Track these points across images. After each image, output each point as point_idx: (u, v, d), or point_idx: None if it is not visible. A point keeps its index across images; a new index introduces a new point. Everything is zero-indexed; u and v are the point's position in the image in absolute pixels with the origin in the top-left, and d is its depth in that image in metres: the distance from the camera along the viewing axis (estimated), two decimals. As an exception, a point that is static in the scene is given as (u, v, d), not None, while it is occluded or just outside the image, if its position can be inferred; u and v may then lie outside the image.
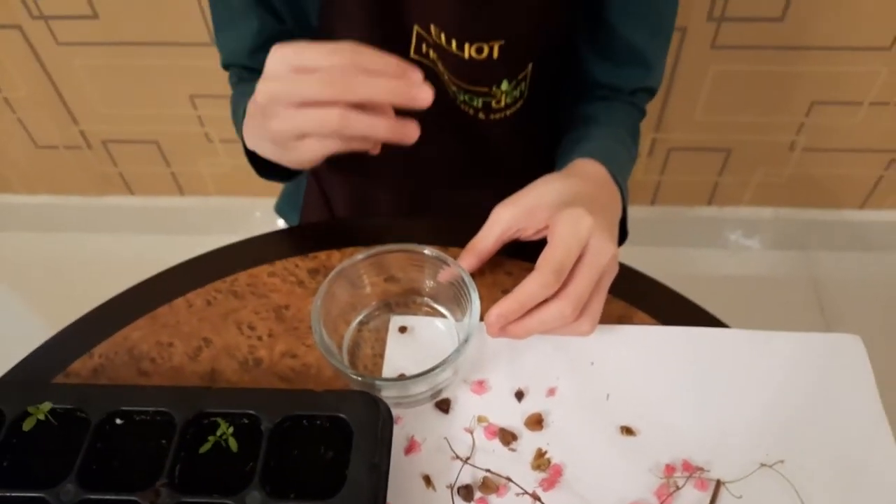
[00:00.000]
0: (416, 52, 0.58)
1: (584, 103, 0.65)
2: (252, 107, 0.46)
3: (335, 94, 0.38)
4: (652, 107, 1.15)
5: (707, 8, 1.02)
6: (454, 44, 0.54)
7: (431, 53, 0.57)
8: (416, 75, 0.39)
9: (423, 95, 0.39)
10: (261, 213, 1.42)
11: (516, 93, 0.60)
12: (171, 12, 1.08)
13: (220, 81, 1.16)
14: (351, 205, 0.72)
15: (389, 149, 0.68)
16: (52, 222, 1.48)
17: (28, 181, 1.43)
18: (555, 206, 0.45)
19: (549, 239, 0.44)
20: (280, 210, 0.82)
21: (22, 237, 1.49)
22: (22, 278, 1.44)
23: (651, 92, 0.67)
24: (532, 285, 0.41)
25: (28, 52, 1.16)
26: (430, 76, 0.59)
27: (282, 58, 0.40)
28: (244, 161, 0.56)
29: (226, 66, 0.66)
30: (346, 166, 0.71)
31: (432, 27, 0.54)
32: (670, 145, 1.24)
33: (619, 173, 0.55)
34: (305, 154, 0.43)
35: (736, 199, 1.33)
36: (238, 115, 0.59)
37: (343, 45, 0.39)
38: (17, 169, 1.40)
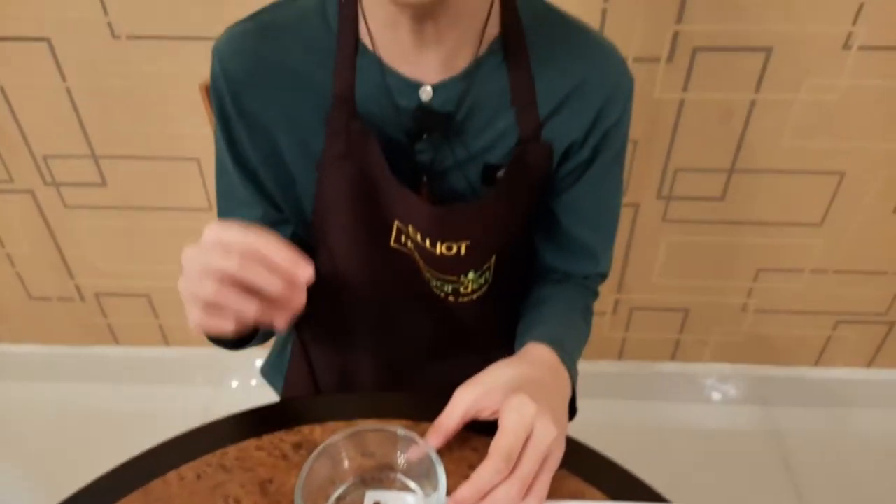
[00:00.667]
0: (395, 241, 0.66)
1: (540, 286, 0.73)
2: None
3: (230, 269, 0.44)
4: (613, 270, 1.24)
5: (657, 187, 1.15)
6: (427, 242, 0.62)
7: (409, 245, 0.66)
8: (303, 276, 0.45)
9: (299, 300, 0.47)
10: (241, 366, 1.46)
11: (481, 280, 0.68)
12: (175, 182, 1.19)
13: (215, 242, 1.25)
14: (333, 374, 0.77)
15: (371, 325, 0.75)
16: (36, 372, 1.50)
17: (16, 331, 1.46)
18: (507, 390, 0.51)
19: (499, 425, 0.50)
20: (265, 374, 0.87)
21: (4, 386, 1.50)
22: (4, 428, 1.43)
23: (602, 276, 0.76)
24: (485, 472, 0.47)
25: (37, 215, 1.25)
26: (408, 263, 0.68)
27: (210, 231, 0.46)
28: None
29: None
30: (329, 339, 0.78)
31: (410, 227, 0.63)
32: (632, 305, 1.33)
33: (569, 356, 0.61)
34: (218, 321, 0.47)
35: (697, 355, 1.40)
36: None
37: (255, 236, 0.45)
38: (6, 318, 1.44)
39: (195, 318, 0.47)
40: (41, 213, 1.25)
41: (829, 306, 1.30)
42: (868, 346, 1.36)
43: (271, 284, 0.45)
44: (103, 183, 1.20)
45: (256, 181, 0.65)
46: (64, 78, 1.07)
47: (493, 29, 0.59)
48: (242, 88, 0.59)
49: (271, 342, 0.83)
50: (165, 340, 1.47)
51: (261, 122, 0.61)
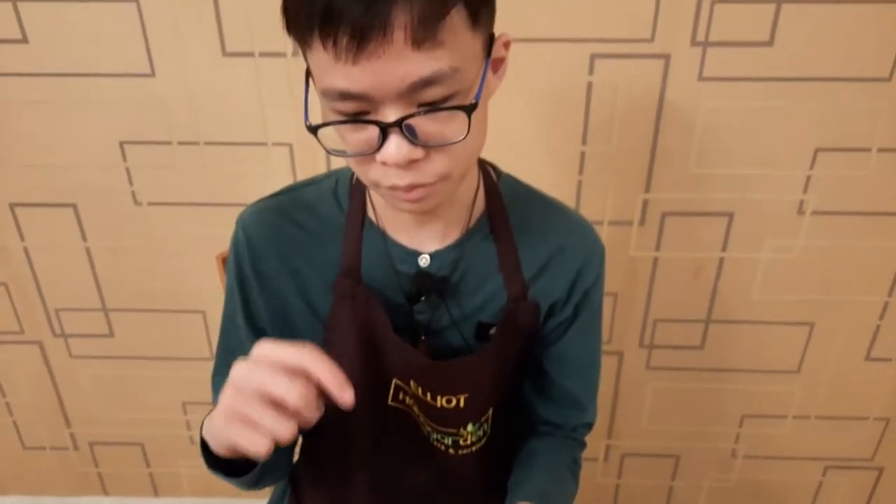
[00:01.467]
0: (393, 399, 0.71)
1: (530, 439, 0.77)
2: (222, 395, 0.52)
3: (278, 392, 0.46)
4: (602, 417, 1.28)
5: (638, 337, 1.21)
6: (428, 395, 0.67)
7: (408, 401, 0.70)
8: (346, 401, 0.47)
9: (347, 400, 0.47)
10: (232, 515, 1.44)
11: (480, 432, 0.72)
12: (179, 332, 1.24)
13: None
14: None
15: (371, 475, 0.78)
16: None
17: (3, 482, 1.45)
18: None
19: None
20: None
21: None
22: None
23: (588, 425, 0.80)
24: None
25: (42, 365, 1.29)
26: (407, 418, 0.72)
27: (261, 348, 0.49)
28: None
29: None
30: (327, 489, 0.80)
31: (412, 382, 0.68)
32: (623, 451, 1.34)
33: None
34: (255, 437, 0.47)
35: (691, 501, 1.39)
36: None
37: (303, 352, 0.47)
38: (-4, 468, 1.43)
39: (233, 435, 0.47)
40: (46, 363, 1.29)
41: (815, 452, 1.31)
42: (860, 492, 1.36)
43: (314, 411, 0.47)
44: (111, 334, 1.25)
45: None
46: (85, 239, 1.15)
47: (480, 206, 0.68)
48: (261, 255, 0.67)
49: (268, 494, 0.85)
50: (155, 491, 1.45)
51: (275, 285, 0.67)
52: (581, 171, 1.06)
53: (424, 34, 0.46)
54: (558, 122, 1.03)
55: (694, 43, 0.96)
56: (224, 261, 0.82)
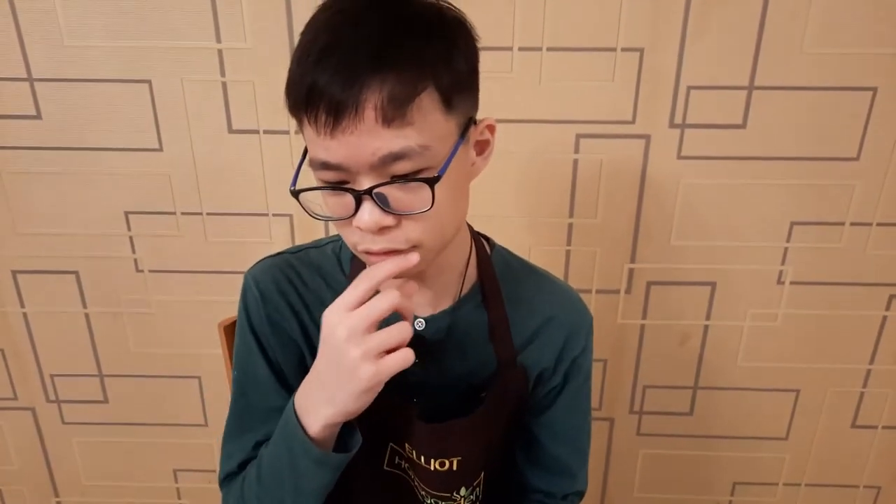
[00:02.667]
0: (388, 464, 0.72)
1: None
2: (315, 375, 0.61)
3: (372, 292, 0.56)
4: (593, 484, 1.29)
5: (628, 403, 1.23)
6: (423, 459, 0.69)
7: (403, 464, 0.72)
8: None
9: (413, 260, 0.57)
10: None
11: (472, 497, 0.73)
12: (174, 398, 1.25)
13: (206, 456, 1.28)
14: None
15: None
16: None
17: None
18: None
19: None
20: None
21: None
22: None
23: (580, 494, 0.81)
24: None
25: (34, 432, 1.29)
26: (402, 482, 0.73)
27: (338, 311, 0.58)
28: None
29: (237, 467, 0.72)
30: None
31: (406, 445, 0.70)
32: (617, 520, 1.33)
33: None
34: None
35: (687, 573, 1.38)
36: (263, 471, 0.66)
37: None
38: (-22, 538, 1.40)
39: (382, 368, 0.58)
40: (38, 429, 1.29)
41: (809, 520, 1.32)
42: (855, 562, 1.35)
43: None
44: (105, 400, 1.25)
45: (289, 388, 0.70)
46: (85, 305, 1.18)
47: (473, 275, 0.71)
48: (274, 306, 0.69)
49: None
50: (140, 562, 1.42)
51: (289, 335, 0.70)
52: (569, 242, 1.10)
53: (394, 114, 0.51)
54: (547, 196, 1.08)
55: (672, 125, 1.02)
56: (226, 329, 0.85)
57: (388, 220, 0.55)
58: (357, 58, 0.51)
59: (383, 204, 0.55)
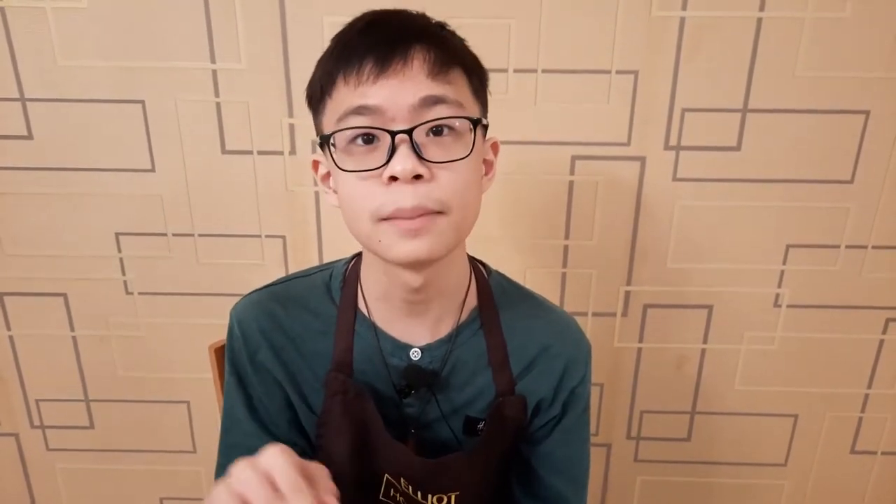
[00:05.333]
0: (384, 495, 0.70)
1: None
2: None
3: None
4: (593, 514, 1.26)
5: (625, 429, 1.21)
6: (419, 494, 0.67)
7: (399, 497, 0.69)
8: None
9: None
10: None
11: (471, 531, 0.71)
12: (162, 424, 1.22)
13: (193, 484, 1.25)
14: None
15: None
16: None
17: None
18: None
19: None
20: None
21: None
22: None
23: (578, 525, 0.79)
24: None
25: (16, 458, 1.25)
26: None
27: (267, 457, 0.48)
28: None
29: None
30: None
31: (402, 479, 0.67)
32: (614, 549, 1.31)
33: None
34: None
35: None
36: None
37: (297, 482, 0.45)
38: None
39: None
40: (21, 456, 1.25)
41: (809, 549, 1.29)
42: (857, 592, 1.32)
43: None
44: (91, 426, 1.22)
45: (269, 432, 0.69)
46: (73, 328, 1.15)
47: (471, 302, 0.70)
48: (257, 347, 0.68)
49: None
50: None
51: (273, 375, 0.68)
52: (565, 264, 1.09)
53: (438, 69, 0.55)
54: (543, 218, 1.07)
55: (667, 147, 1.02)
56: (216, 352, 0.83)
57: (423, 168, 0.55)
58: (404, 28, 0.56)
59: (419, 151, 0.55)
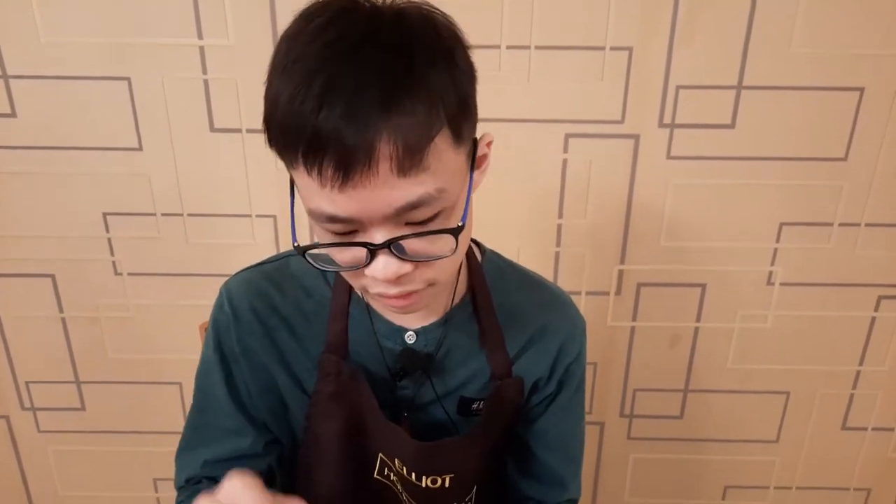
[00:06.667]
0: (378, 473, 0.70)
1: None
2: None
3: None
4: (584, 489, 1.26)
5: (619, 407, 1.21)
6: (413, 476, 0.67)
7: (392, 476, 0.69)
8: None
9: None
10: None
11: (465, 511, 0.71)
12: (154, 405, 1.21)
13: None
14: None
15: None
16: None
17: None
18: None
19: None
20: None
21: None
22: None
23: (573, 502, 0.79)
24: None
25: (7, 440, 1.25)
26: (390, 494, 0.71)
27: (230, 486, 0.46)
28: None
29: (187, 479, 0.71)
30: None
31: (396, 461, 0.67)
32: (607, 526, 1.32)
33: None
34: None
35: (678, 579, 1.36)
36: None
37: None
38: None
39: None
40: (12, 438, 1.25)
41: (799, 523, 1.31)
42: (845, 566, 1.34)
43: None
44: (82, 408, 1.22)
45: (246, 413, 0.68)
46: (62, 310, 1.14)
47: (464, 285, 0.69)
48: (246, 327, 0.66)
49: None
50: (119, 575, 1.38)
51: (261, 359, 0.67)
52: (558, 243, 1.09)
53: (410, 163, 0.47)
54: (535, 197, 1.06)
55: (661, 125, 1.01)
56: (204, 329, 0.82)
57: (407, 267, 0.52)
58: (364, 102, 0.45)
59: (399, 253, 0.51)
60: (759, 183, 1.04)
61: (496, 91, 0.98)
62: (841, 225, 1.07)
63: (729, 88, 0.99)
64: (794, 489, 1.27)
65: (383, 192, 0.47)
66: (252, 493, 0.45)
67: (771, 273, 1.10)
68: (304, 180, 0.49)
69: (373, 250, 0.50)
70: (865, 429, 1.22)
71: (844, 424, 1.21)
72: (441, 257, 0.52)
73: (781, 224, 1.07)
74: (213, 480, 0.70)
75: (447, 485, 0.67)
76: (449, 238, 0.52)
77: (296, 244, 0.53)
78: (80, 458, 1.26)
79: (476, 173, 0.57)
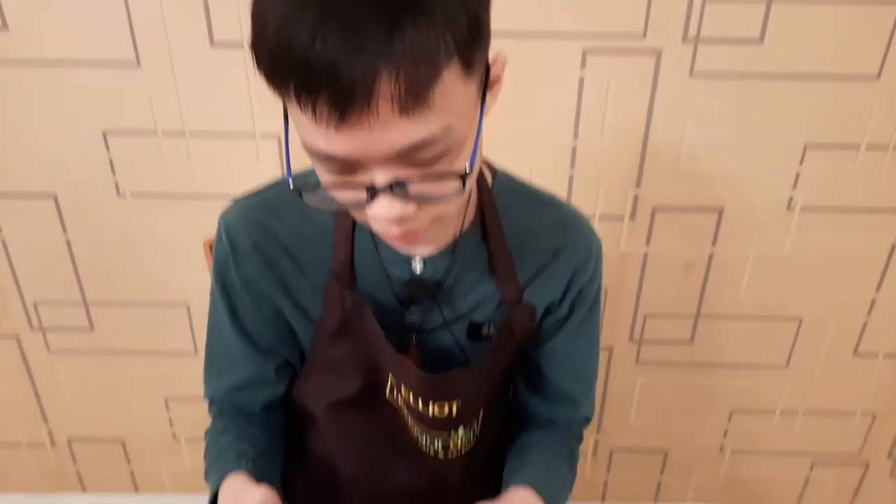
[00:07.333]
0: (389, 393, 0.69)
1: (525, 432, 0.75)
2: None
3: None
4: (591, 413, 1.28)
5: (628, 332, 1.21)
6: (420, 403, 0.66)
7: (401, 401, 0.69)
8: None
9: None
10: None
11: (470, 434, 0.71)
12: (163, 326, 1.21)
13: (197, 385, 1.26)
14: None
15: (358, 479, 0.77)
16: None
17: (-21, 480, 1.41)
18: None
19: None
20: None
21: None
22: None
23: (586, 420, 0.78)
24: None
25: (19, 359, 1.26)
26: (397, 419, 0.70)
27: None
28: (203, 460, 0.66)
29: (210, 399, 0.75)
30: (316, 492, 0.79)
31: (403, 387, 0.66)
32: (611, 446, 1.34)
33: (553, 500, 0.63)
34: None
35: (680, 497, 1.39)
36: (208, 459, 0.68)
37: None
38: (-29, 466, 1.40)
39: None
40: (23, 357, 1.26)
41: (803, 447, 1.32)
42: (846, 487, 1.37)
43: None
44: (91, 328, 1.22)
45: (252, 342, 0.68)
46: (65, 230, 1.13)
47: (473, 209, 0.65)
48: (245, 259, 0.64)
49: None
50: (136, 488, 1.42)
51: (262, 289, 0.65)
52: (572, 165, 1.05)
53: (414, 101, 0.42)
54: (550, 116, 1.02)
55: (685, 39, 0.95)
56: (211, 247, 0.80)
57: (410, 209, 0.48)
58: (363, 32, 0.40)
59: (403, 193, 0.47)
60: (785, 102, 0.99)
61: (511, 3, 0.92)
62: (868, 148, 1.03)
63: (758, 1, 0.93)
64: (801, 413, 1.28)
65: (384, 133, 0.43)
66: None
67: (792, 198, 1.07)
68: (298, 115, 0.45)
69: (374, 192, 0.47)
70: (877, 355, 1.21)
71: (856, 350, 1.21)
72: (446, 199, 0.49)
73: (806, 146, 1.03)
74: (234, 406, 0.72)
75: (454, 412, 0.66)
76: (455, 180, 0.47)
77: (291, 182, 0.49)
78: (92, 378, 1.28)
79: (489, 96, 0.51)
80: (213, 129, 1.04)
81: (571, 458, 0.75)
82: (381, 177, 0.46)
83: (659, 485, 1.38)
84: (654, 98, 1.00)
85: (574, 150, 1.04)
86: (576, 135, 1.03)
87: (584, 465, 1.36)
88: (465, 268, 0.65)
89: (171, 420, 1.32)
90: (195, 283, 1.16)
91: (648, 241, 1.11)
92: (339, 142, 0.44)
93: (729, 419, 1.29)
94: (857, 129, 1.01)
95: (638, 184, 1.06)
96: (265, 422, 0.72)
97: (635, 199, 1.07)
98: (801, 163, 1.04)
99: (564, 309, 0.70)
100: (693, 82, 0.98)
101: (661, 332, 1.21)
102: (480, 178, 0.66)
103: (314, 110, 0.42)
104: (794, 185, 1.06)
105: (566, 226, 0.69)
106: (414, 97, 0.42)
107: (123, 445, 1.36)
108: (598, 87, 0.99)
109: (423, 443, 0.70)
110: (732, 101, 0.99)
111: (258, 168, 1.06)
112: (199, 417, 1.29)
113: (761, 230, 1.10)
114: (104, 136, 1.04)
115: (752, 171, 1.05)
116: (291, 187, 0.49)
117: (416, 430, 0.70)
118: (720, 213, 1.08)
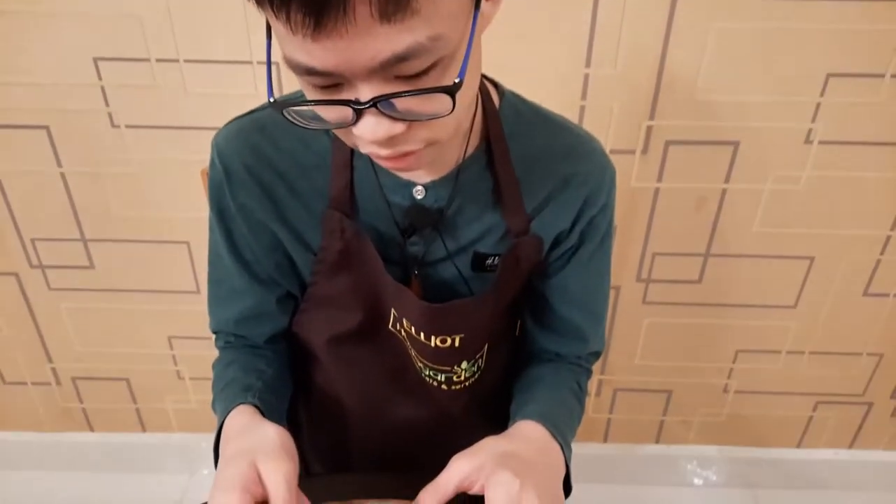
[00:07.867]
0: (392, 325, 0.67)
1: (532, 366, 0.74)
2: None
3: None
4: (597, 352, 1.27)
5: (636, 271, 1.19)
6: (422, 335, 0.64)
7: (402, 333, 0.67)
8: None
9: None
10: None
11: (474, 368, 0.69)
12: (163, 264, 1.19)
13: (200, 323, 1.25)
14: (324, 460, 0.77)
15: (362, 412, 0.76)
16: (3, 460, 1.44)
17: (-15, 416, 1.42)
18: (495, 466, 0.51)
19: (486, 500, 0.50)
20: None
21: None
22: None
23: (595, 354, 0.77)
24: None
25: (19, 297, 1.24)
26: (401, 351, 0.69)
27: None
28: (209, 398, 0.66)
29: (215, 331, 0.73)
30: (320, 425, 0.78)
31: (405, 321, 0.64)
32: (615, 386, 1.34)
33: (560, 433, 0.61)
34: None
35: (682, 437, 1.40)
36: (215, 390, 0.67)
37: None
38: (-23, 404, 1.40)
39: None
40: (24, 295, 1.24)
41: (807, 387, 1.32)
42: (848, 427, 1.38)
43: None
44: (91, 266, 1.20)
45: (251, 271, 0.66)
46: (60, 164, 1.09)
47: (479, 133, 0.62)
48: (240, 184, 0.61)
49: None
50: (143, 426, 1.43)
51: (258, 216, 0.63)
52: (584, 96, 1.01)
53: (395, 7, 0.38)
54: (562, 43, 0.97)
55: (708, -44, 0.90)
56: (206, 174, 0.77)
57: (398, 128, 0.45)
58: None
59: (390, 110, 0.44)
60: (808, 27, 0.94)
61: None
62: (893, 77, 0.98)
63: (787, -86, 0.87)
64: (807, 353, 1.27)
65: (364, 43, 0.39)
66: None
67: (811, 130, 1.03)
68: (274, 24, 0.41)
69: (359, 109, 0.43)
70: (888, 295, 1.19)
71: (867, 290, 1.19)
72: (438, 116, 0.45)
73: (828, 75, 0.98)
74: (238, 337, 0.71)
75: (457, 344, 0.65)
76: (444, 97, 0.44)
77: (272, 99, 0.46)
78: (94, 316, 1.27)
79: (488, 5, 0.47)
80: (208, 56, 0.99)
81: (580, 393, 0.73)
82: (365, 92, 0.43)
83: (661, 424, 1.39)
84: (672, 23, 0.95)
85: (587, 79, 1.00)
86: (588, 63, 0.99)
87: (588, 405, 1.36)
88: (469, 196, 0.62)
89: (174, 358, 1.32)
90: (194, 220, 1.13)
91: (660, 177, 1.08)
92: (318, 53, 0.40)
93: (734, 359, 1.29)
94: (883, 56, 0.97)
95: (651, 116, 1.02)
96: (271, 355, 0.70)
97: (648, 131, 1.04)
98: (822, 93, 1.00)
99: (574, 239, 0.67)
100: (713, 4, 0.93)
101: (669, 271, 1.19)
102: (486, 99, 0.62)
103: (288, 18, 0.39)
104: (814, 118, 1.02)
105: (578, 151, 0.66)
106: (395, 2, 0.38)
107: (129, 384, 1.36)
108: (614, 11, 0.94)
109: (426, 375, 0.69)
110: (753, 25, 0.94)
111: (256, 96, 1.02)
112: (203, 356, 1.29)
113: (777, 165, 1.06)
114: (95, 63, 1.00)
115: (771, 102, 1.01)
116: (271, 101, 0.46)
117: (419, 363, 0.68)
118: (735, 147, 1.05)
